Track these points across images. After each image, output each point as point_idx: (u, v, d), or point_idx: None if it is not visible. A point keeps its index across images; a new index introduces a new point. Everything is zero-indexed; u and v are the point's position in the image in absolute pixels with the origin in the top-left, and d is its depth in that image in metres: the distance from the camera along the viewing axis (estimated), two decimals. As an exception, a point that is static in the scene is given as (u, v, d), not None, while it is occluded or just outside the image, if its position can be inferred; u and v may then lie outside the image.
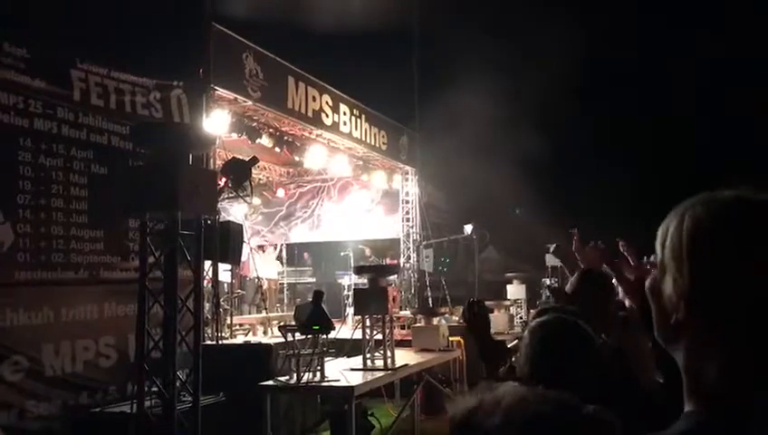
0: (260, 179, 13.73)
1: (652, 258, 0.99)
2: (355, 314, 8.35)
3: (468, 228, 13.82)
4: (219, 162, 8.48)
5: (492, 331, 3.13)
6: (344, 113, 11.36)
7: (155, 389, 4.99)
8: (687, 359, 0.88)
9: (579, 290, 2.86)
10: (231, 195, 7.81)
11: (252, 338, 8.84)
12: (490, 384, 0.77)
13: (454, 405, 0.77)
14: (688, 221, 0.90)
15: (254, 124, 9.75)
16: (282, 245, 13.79)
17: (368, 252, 13.41)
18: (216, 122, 8.38)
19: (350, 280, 12.22)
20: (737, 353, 0.83)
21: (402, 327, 10.19)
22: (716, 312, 0.85)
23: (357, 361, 6.66)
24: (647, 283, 0.96)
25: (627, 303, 3.89)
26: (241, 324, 9.72)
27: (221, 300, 8.54)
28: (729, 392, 0.83)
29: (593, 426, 0.71)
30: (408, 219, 14.37)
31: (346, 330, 8.89)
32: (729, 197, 0.91)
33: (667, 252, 0.91)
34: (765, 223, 0.86)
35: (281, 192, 14.46)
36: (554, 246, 4.36)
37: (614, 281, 3.69)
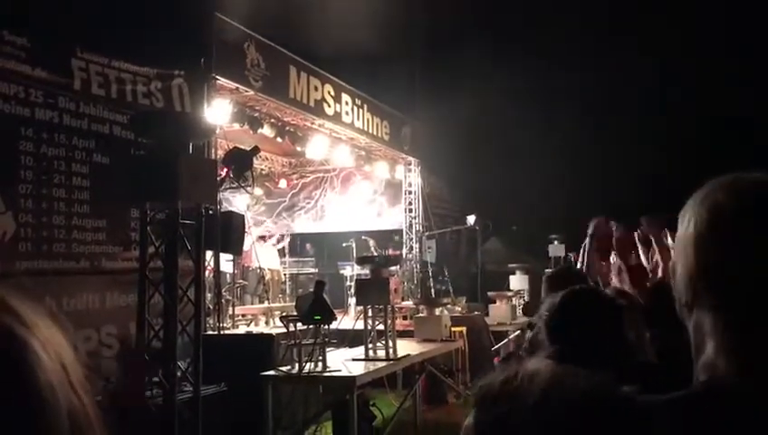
0: (262, 170, 13.71)
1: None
2: (357, 305, 8.34)
3: (471, 219, 13.79)
4: (221, 152, 8.45)
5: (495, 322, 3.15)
6: (346, 103, 11.32)
7: (156, 379, 4.99)
8: (693, 338, 0.91)
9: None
10: (233, 185, 7.79)
11: (254, 328, 8.84)
12: (518, 360, 0.75)
13: (483, 380, 0.75)
14: (701, 208, 0.92)
15: (256, 114, 9.72)
16: (286, 236, 13.76)
17: (371, 243, 13.39)
18: (218, 112, 8.35)
19: (352, 271, 12.21)
20: (733, 333, 0.86)
21: (404, 318, 10.19)
22: (714, 294, 0.87)
23: (359, 351, 6.65)
24: (670, 264, 0.99)
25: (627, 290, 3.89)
26: (243, 315, 9.72)
27: (223, 290, 8.53)
28: (724, 369, 0.85)
29: (631, 410, 0.70)
30: (410, 210, 14.35)
31: (348, 320, 8.90)
32: (748, 182, 0.92)
33: (680, 237, 0.94)
34: None
35: (283, 183, 14.44)
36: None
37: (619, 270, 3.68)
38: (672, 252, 1.01)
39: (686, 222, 0.94)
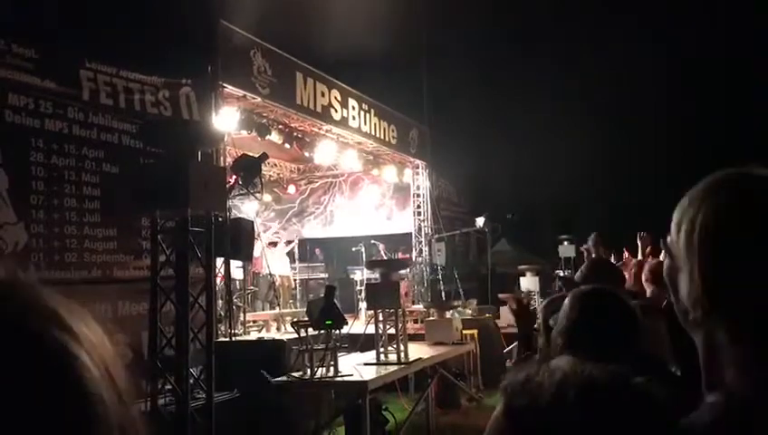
0: (270, 176, 13.75)
1: (669, 239, 0.93)
2: (368, 309, 8.34)
3: (480, 221, 13.76)
4: (229, 160, 8.48)
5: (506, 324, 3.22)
6: (353, 108, 11.34)
7: (169, 386, 5.00)
8: (703, 352, 0.86)
9: (589, 279, 2.83)
10: (242, 192, 7.82)
11: (265, 334, 8.86)
12: (542, 359, 0.76)
13: (506, 378, 0.76)
14: (697, 213, 0.83)
15: (264, 121, 9.75)
16: (295, 241, 13.79)
17: (381, 247, 13.40)
18: (226, 119, 8.38)
19: (362, 275, 12.21)
20: (753, 350, 0.80)
21: (415, 321, 10.18)
22: (727, 310, 0.81)
23: (370, 355, 6.64)
24: (664, 269, 0.92)
25: (649, 292, 3.88)
26: (254, 321, 9.73)
27: (234, 297, 8.55)
28: (746, 388, 0.80)
29: (643, 398, 0.70)
30: (419, 213, 14.34)
31: (359, 325, 8.89)
32: (741, 181, 0.83)
33: (682, 246, 0.85)
34: None
35: (292, 189, 14.47)
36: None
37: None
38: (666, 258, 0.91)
39: (684, 226, 0.85)
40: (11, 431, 0.53)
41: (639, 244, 5.74)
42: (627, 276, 3.82)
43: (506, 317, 11.52)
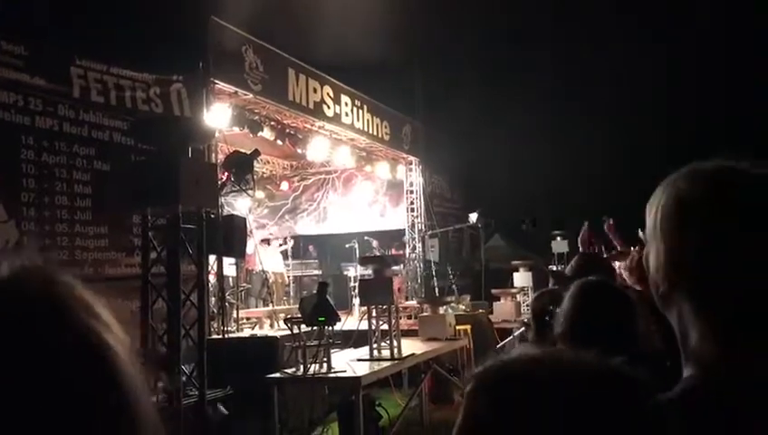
0: (263, 173, 13.72)
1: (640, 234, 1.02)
2: (361, 305, 8.34)
3: (473, 217, 13.76)
4: (221, 156, 8.46)
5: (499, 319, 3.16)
6: (346, 104, 11.32)
7: (161, 383, 4.99)
8: (677, 327, 0.92)
9: (579, 273, 2.84)
10: (234, 189, 7.80)
11: (258, 331, 8.85)
12: (511, 348, 0.76)
13: (478, 366, 0.76)
14: (666, 197, 0.94)
15: (256, 117, 9.72)
16: (289, 239, 13.76)
17: (374, 243, 13.39)
18: (217, 116, 8.35)
19: (355, 271, 12.21)
20: (715, 322, 0.87)
21: (409, 317, 10.19)
22: (692, 283, 0.89)
23: (363, 351, 6.64)
24: (643, 254, 1.01)
25: (638, 287, 3.90)
26: (248, 318, 9.72)
27: (227, 294, 8.53)
28: (713, 359, 0.86)
29: (617, 379, 0.70)
30: (412, 209, 14.34)
31: (352, 321, 8.89)
32: (707, 170, 0.92)
33: (650, 226, 0.96)
34: (740, 195, 0.89)
35: (285, 185, 14.44)
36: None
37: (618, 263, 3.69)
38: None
39: (653, 213, 0.95)
40: (43, 421, 0.54)
41: (608, 233, 5.60)
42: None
43: (499, 312, 11.55)
